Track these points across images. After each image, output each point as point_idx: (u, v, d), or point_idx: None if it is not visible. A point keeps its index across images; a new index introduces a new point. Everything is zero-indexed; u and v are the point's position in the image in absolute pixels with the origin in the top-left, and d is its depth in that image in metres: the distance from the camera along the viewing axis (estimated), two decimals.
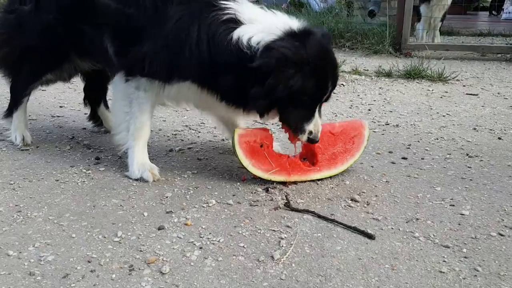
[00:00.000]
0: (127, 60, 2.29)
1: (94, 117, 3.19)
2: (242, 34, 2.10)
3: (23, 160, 2.61)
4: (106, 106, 3.17)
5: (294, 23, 2.17)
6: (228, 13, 2.15)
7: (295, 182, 2.36)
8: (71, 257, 1.70)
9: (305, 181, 2.38)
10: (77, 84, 3.57)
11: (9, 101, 2.93)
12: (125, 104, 2.39)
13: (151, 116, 2.44)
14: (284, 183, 2.34)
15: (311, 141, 2.27)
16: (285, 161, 2.37)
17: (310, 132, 2.24)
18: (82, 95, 3.20)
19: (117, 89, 2.46)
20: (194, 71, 2.19)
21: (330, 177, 2.44)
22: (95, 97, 3.14)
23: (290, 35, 2.11)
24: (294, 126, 2.26)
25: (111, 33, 2.37)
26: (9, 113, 2.88)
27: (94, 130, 3.19)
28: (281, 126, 2.39)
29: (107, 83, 3.06)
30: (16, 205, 2.08)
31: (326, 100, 2.28)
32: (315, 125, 2.24)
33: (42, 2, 2.56)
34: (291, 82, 2.05)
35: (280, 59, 2.02)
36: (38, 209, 2.06)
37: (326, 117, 3.65)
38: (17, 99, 2.85)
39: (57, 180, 2.35)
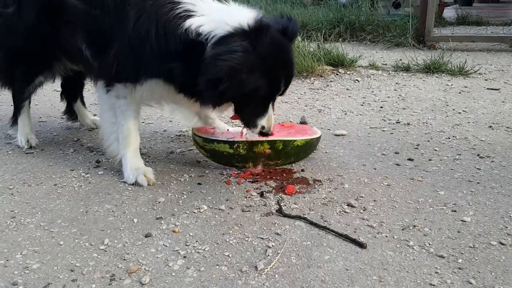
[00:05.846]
0: (102, 67, 2.31)
1: (69, 111, 3.29)
2: (192, 23, 2.07)
3: (26, 164, 2.64)
4: (83, 102, 3.28)
5: (248, 16, 2.08)
6: (182, 7, 2.12)
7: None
8: (55, 265, 1.71)
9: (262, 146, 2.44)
10: (91, 84, 3.61)
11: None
12: (111, 115, 2.42)
13: (137, 122, 2.45)
14: (280, 188, 2.30)
15: (264, 134, 2.30)
16: (241, 132, 2.49)
17: (263, 127, 2.25)
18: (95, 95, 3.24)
19: (101, 101, 2.49)
20: (156, 66, 2.17)
21: (329, 180, 2.38)
22: (72, 92, 3.23)
23: (242, 33, 2.03)
24: (247, 121, 2.28)
25: (84, 34, 2.38)
26: (15, 120, 2.94)
27: (68, 124, 3.34)
28: (232, 116, 2.39)
29: (84, 79, 3.17)
30: (11, 211, 2.10)
31: (281, 95, 2.27)
32: (268, 120, 2.24)
33: (23, 1, 2.55)
34: (242, 86, 2.02)
35: (231, 67, 1.94)
36: (32, 215, 2.07)
37: (336, 115, 3.57)
38: (18, 104, 2.90)
39: (55, 185, 2.37)
